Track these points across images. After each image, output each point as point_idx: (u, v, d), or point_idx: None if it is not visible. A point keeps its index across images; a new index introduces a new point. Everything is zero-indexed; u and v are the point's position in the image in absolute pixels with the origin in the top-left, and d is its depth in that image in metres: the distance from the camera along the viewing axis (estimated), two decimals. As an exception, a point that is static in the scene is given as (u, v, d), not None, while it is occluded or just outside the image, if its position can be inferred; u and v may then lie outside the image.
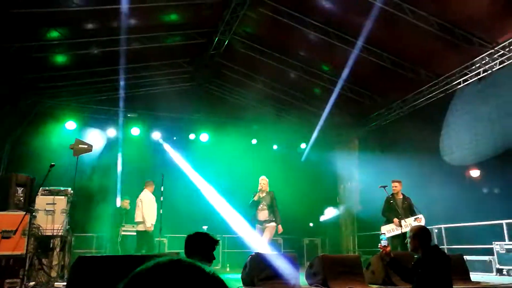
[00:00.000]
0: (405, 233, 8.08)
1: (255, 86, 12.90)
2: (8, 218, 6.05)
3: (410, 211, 8.23)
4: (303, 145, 14.81)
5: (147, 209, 8.55)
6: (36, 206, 6.62)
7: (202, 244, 3.23)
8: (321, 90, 12.72)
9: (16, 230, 5.82)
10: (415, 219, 8.05)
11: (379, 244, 4.12)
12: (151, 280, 0.78)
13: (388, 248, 4.07)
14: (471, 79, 9.44)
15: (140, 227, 8.65)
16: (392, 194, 8.45)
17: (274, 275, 6.23)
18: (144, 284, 0.78)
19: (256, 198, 7.90)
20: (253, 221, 7.95)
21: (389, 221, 8.24)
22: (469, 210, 9.42)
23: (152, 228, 8.62)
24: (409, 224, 8.04)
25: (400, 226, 7.88)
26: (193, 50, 11.51)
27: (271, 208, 7.85)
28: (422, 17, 8.38)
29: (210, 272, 0.82)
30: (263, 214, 7.83)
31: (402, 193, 8.46)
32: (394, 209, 8.19)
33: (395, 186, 8.41)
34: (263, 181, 8.01)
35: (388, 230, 8.10)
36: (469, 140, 9.72)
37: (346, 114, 13.24)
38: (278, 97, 13.44)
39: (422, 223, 7.99)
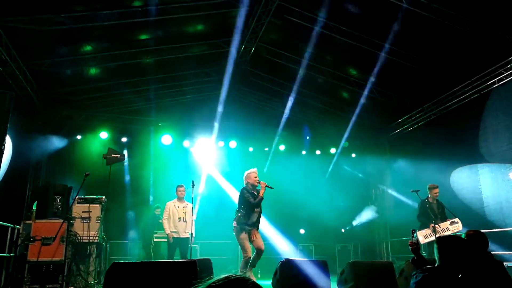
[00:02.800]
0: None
1: (282, 92, 12.93)
2: (48, 226, 6.32)
3: (443, 216, 8.13)
4: (332, 150, 14.67)
5: (165, 217, 8.35)
6: (73, 214, 6.88)
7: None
8: (349, 94, 12.61)
9: (55, 237, 6.07)
10: (451, 222, 7.90)
11: (409, 241, 4.02)
12: None
13: (417, 246, 3.94)
14: (506, 78, 9.11)
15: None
16: (427, 198, 8.32)
17: (304, 281, 6.19)
18: None
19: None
20: (246, 223, 6.73)
21: (424, 225, 8.08)
22: (509, 214, 9.05)
23: (171, 236, 8.16)
24: (445, 228, 7.87)
25: (435, 232, 7.71)
26: (220, 58, 11.68)
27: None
28: (451, 16, 8.19)
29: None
30: (258, 216, 6.93)
31: (437, 199, 8.37)
32: (429, 214, 8.06)
33: (437, 192, 8.37)
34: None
35: (425, 236, 7.94)
36: (508, 141, 9.35)
37: (375, 118, 13.05)
38: (306, 102, 13.39)
39: (460, 226, 7.79)
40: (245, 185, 6.95)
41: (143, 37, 10.06)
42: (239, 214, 6.75)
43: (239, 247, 6.90)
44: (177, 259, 7.58)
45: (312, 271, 6.35)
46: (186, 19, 9.46)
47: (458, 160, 10.62)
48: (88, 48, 9.80)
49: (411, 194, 8.70)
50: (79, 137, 12.38)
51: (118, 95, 11.97)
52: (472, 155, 10.30)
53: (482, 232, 3.62)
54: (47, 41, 8.98)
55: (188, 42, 10.56)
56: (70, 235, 6.57)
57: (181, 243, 8.12)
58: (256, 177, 6.92)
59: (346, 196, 13.94)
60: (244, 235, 6.67)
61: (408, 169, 11.70)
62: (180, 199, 8.39)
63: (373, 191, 14.55)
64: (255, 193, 6.86)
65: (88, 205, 7.14)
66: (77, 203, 7.09)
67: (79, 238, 6.81)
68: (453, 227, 7.91)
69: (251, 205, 6.72)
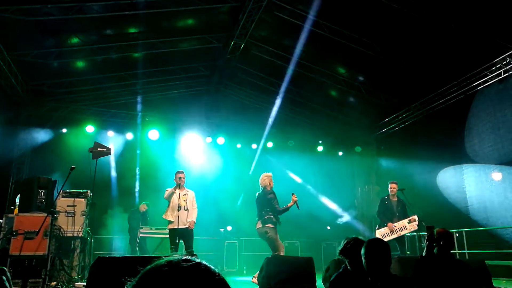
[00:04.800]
0: (402, 236, 7.99)
1: (270, 89, 12.93)
2: (31, 220, 6.22)
3: (404, 213, 8.10)
4: (320, 148, 14.74)
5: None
6: (57, 208, 6.78)
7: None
8: (337, 93, 12.68)
9: (39, 231, 5.97)
10: (409, 221, 7.92)
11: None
12: (160, 278, 0.80)
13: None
14: (491, 80, 9.26)
15: None
16: (388, 196, 8.34)
17: (290, 278, 6.21)
18: (154, 281, 0.81)
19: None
20: (277, 222, 7.03)
21: (383, 224, 8.11)
22: (491, 214, 9.22)
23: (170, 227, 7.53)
24: (402, 226, 7.91)
25: (393, 231, 7.79)
26: (210, 54, 11.61)
27: None
28: (440, 18, 8.28)
29: (215, 272, 0.84)
30: None
31: (397, 196, 8.32)
32: (388, 211, 8.10)
33: (393, 188, 8.27)
34: None
35: (383, 235, 7.92)
36: (493, 141, 9.51)
37: (363, 117, 13.14)
38: (294, 100, 13.42)
39: (417, 223, 7.85)
40: (268, 189, 7.14)
41: (132, 30, 9.95)
42: (269, 216, 6.91)
43: (271, 246, 6.98)
44: (180, 253, 7.19)
45: (297, 267, 6.37)
46: (176, 13, 9.38)
47: (444, 159, 10.79)
48: (75, 40, 9.64)
49: (397, 192, 8.76)
50: (64, 130, 12.19)
51: (105, 88, 11.82)
52: (458, 154, 10.47)
53: (450, 232, 3.68)
54: (33, 31, 8.79)
55: (178, 37, 10.47)
56: (54, 229, 6.48)
57: (183, 235, 7.19)
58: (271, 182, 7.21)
59: (333, 194, 14.04)
60: (277, 235, 6.90)
61: (395, 167, 11.84)
62: (180, 186, 7.39)
63: (359, 189, 14.67)
64: None
65: (73, 199, 7.05)
66: (62, 197, 6.98)
67: (63, 232, 6.72)
68: (410, 225, 7.90)
69: (276, 210, 6.94)
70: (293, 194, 6.94)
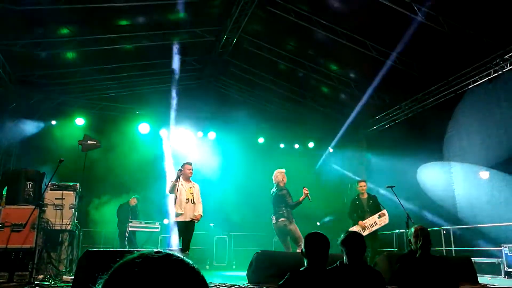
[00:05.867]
0: (375, 231, 8.07)
1: (263, 84, 12.91)
2: (18, 212, 6.15)
3: (376, 210, 8.18)
4: (310, 144, 14.78)
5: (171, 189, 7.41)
6: (45, 201, 6.70)
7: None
8: (329, 89, 12.70)
9: (26, 224, 5.90)
10: (379, 215, 8.02)
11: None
12: (132, 272, 0.81)
13: None
14: (481, 79, 9.35)
15: None
16: (358, 195, 8.45)
17: (279, 273, 6.23)
18: (126, 275, 0.81)
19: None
20: (292, 216, 7.28)
21: (354, 223, 8.19)
22: (478, 212, 9.35)
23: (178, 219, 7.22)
24: (373, 222, 8.00)
25: (365, 228, 7.88)
26: (202, 48, 11.53)
27: None
28: (431, 16, 8.32)
29: (189, 264, 0.85)
30: None
31: (367, 193, 8.44)
32: (359, 210, 8.18)
33: (363, 186, 8.41)
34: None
35: None
36: (481, 140, 9.63)
37: (354, 114, 13.17)
38: (286, 96, 13.42)
39: (387, 219, 7.96)
40: (282, 185, 7.35)
41: (123, 22, 9.83)
42: (284, 211, 7.14)
43: (292, 239, 7.20)
44: (179, 246, 7.06)
45: (287, 263, 6.39)
46: (168, 6, 9.29)
47: (433, 157, 10.90)
48: (65, 31, 9.49)
49: (386, 189, 8.82)
50: (54, 122, 12.04)
51: (95, 81, 11.68)
52: (446, 153, 10.59)
53: (427, 229, 3.77)
54: (22, 21, 8.63)
55: (169, 30, 10.37)
56: (42, 222, 6.41)
57: (187, 228, 7.03)
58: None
59: (323, 190, 14.09)
60: (295, 226, 7.13)
61: (384, 165, 11.92)
62: (186, 178, 7.21)
63: (349, 185, 14.74)
64: None
65: (61, 192, 6.97)
66: (50, 190, 6.90)
67: (51, 225, 6.65)
68: (380, 220, 8.01)
69: (289, 205, 7.19)
70: (304, 187, 7.16)
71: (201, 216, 7.12)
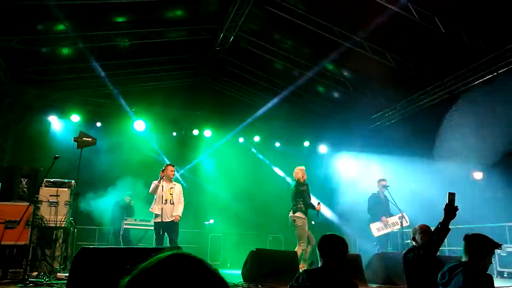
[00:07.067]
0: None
1: (259, 83, 12.91)
2: (12, 209, 6.12)
3: (389, 210, 8.37)
4: (306, 143, 14.79)
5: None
6: (40, 198, 6.66)
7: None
8: (325, 89, 12.72)
9: (20, 221, 5.88)
10: (399, 217, 8.10)
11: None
12: (153, 276, 0.80)
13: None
14: (476, 81, 9.40)
15: None
16: (378, 192, 8.51)
17: (274, 272, 6.26)
18: (147, 280, 0.80)
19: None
20: (306, 213, 7.37)
21: (375, 218, 8.27)
22: (472, 213, 9.40)
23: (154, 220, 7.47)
24: (395, 222, 8.09)
25: (387, 225, 7.97)
26: (198, 46, 11.52)
27: None
28: (427, 17, 8.35)
29: (211, 267, 0.84)
30: None
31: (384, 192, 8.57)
32: (379, 207, 8.29)
33: (384, 184, 8.52)
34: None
35: (377, 228, 8.12)
36: (476, 141, 9.69)
37: (350, 113, 13.22)
38: (282, 95, 13.42)
39: (407, 219, 8.04)
40: (302, 181, 7.47)
41: (120, 19, 9.79)
42: (300, 205, 7.27)
43: (296, 234, 7.24)
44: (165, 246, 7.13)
45: (282, 262, 6.43)
46: (165, 3, 9.27)
47: (427, 157, 10.93)
48: (61, 27, 9.44)
49: (379, 191, 8.86)
50: (49, 118, 11.96)
51: (91, 77, 11.63)
52: (441, 153, 10.63)
53: (430, 227, 3.83)
54: (18, 16, 8.58)
55: (166, 27, 10.35)
56: (36, 219, 6.38)
57: (168, 228, 7.16)
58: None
59: (317, 189, 14.11)
60: (305, 226, 7.22)
61: (381, 165, 11.95)
62: (168, 179, 7.39)
63: (340, 185, 14.76)
64: None
65: (56, 189, 6.93)
66: (45, 187, 6.86)
67: (45, 222, 6.63)
68: (401, 221, 8.12)
69: (306, 201, 7.32)
70: (318, 203, 7.41)
71: (180, 217, 7.24)
